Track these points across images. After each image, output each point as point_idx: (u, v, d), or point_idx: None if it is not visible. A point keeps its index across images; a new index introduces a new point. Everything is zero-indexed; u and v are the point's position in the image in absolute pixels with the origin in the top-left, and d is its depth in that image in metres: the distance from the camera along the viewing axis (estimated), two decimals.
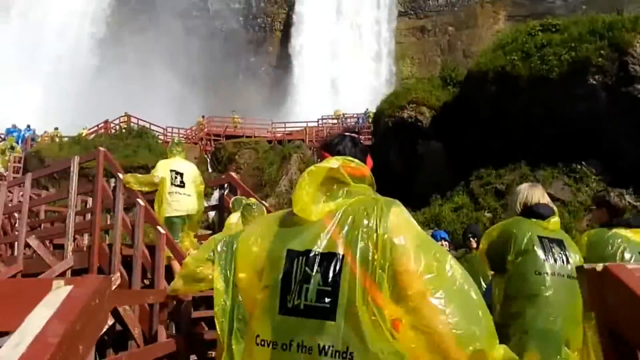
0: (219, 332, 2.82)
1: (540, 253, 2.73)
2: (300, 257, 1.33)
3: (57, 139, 23.29)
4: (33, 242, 5.61)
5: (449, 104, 17.06)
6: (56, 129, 24.82)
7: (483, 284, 4.66)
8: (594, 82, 13.57)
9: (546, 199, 3.00)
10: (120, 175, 5.18)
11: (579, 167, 14.11)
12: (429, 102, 17.57)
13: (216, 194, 16.40)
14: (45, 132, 24.70)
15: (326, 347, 1.24)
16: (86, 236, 8.09)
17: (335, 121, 29.74)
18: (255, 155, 24.40)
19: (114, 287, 4.79)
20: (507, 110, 14.67)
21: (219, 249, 2.83)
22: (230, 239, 2.92)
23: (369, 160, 1.64)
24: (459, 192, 15.14)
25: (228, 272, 2.76)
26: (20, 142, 21.90)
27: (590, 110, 13.24)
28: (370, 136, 25.00)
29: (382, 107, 19.33)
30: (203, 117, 29.54)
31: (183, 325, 4.01)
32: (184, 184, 5.68)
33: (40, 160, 20.02)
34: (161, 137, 27.34)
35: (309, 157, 21.86)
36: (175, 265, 4.95)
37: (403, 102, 18.09)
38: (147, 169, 19.75)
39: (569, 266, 2.73)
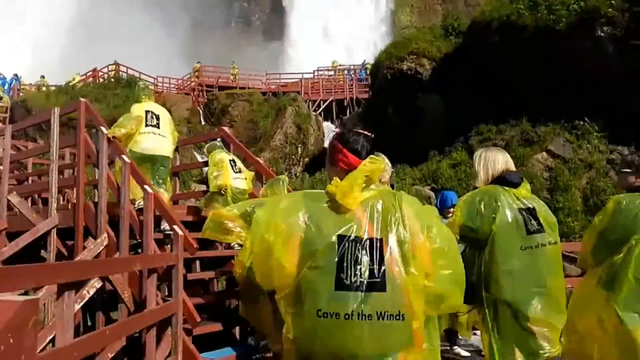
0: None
1: (522, 227, 2.68)
2: (351, 243, 1.64)
3: (43, 88, 22.48)
4: (14, 199, 5.28)
5: (450, 55, 16.47)
6: (42, 77, 23.93)
7: None
8: (602, 34, 13.03)
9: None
10: (104, 129, 4.79)
11: (581, 123, 13.77)
12: (429, 53, 16.95)
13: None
14: (35, 82, 23.80)
15: (383, 313, 1.59)
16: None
17: (331, 72, 28.94)
18: (250, 108, 23.79)
19: (100, 249, 4.52)
20: (511, 62, 14.15)
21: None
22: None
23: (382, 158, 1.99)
24: (458, 148, 14.84)
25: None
26: (6, 91, 21.10)
27: (597, 63, 12.77)
28: (367, 89, 24.41)
29: (381, 58, 18.68)
30: (199, 62, 28.58)
31: (176, 289, 3.77)
32: (159, 125, 5.43)
33: (27, 110, 19.38)
34: (151, 87, 26.51)
35: (304, 110, 21.29)
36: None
37: (402, 53, 17.45)
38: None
39: (545, 234, 2.73)
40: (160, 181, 5.32)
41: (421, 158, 15.40)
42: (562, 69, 13.45)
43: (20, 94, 21.72)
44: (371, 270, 1.62)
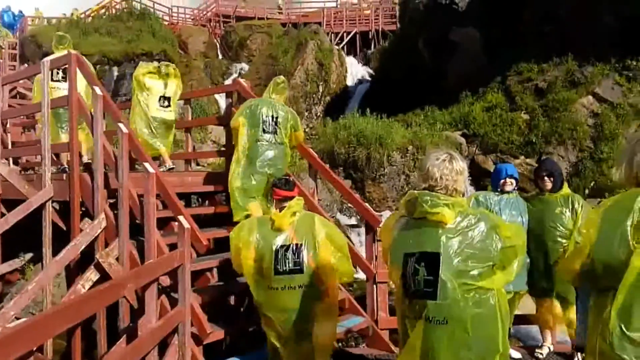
0: None
1: None
2: (282, 248, 3.04)
3: (37, 21, 21.19)
4: (2, 169, 4.65)
5: None
6: (37, 9, 22.52)
7: (559, 226, 3.85)
8: None
9: None
10: (98, 90, 4.03)
11: (634, 63, 12.40)
12: None
13: (222, 103, 14.93)
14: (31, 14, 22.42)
15: (301, 285, 3.02)
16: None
17: (355, 1, 26.98)
18: (269, 41, 22.47)
19: (98, 232, 3.94)
20: None
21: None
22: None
23: (296, 189, 3.36)
24: (494, 89, 13.64)
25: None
26: (15, 28, 20.07)
27: None
28: (395, 20, 22.69)
29: None
30: None
31: (182, 292, 3.19)
32: (65, 79, 4.98)
33: (38, 45, 18.47)
34: (166, 18, 25.17)
35: (327, 44, 19.92)
36: None
37: None
38: (150, 56, 18.15)
39: None
40: (64, 128, 5.15)
41: (452, 99, 14.27)
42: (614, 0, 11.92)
43: (28, 27, 20.66)
44: (295, 262, 3.00)
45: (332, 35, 23.30)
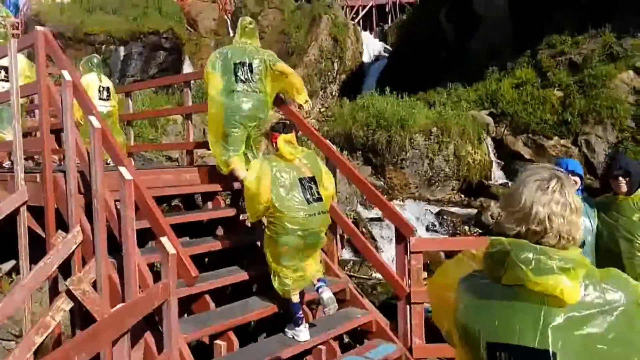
0: None
1: None
2: (305, 180, 3.54)
3: None
4: None
5: None
6: None
7: (637, 237, 3.17)
8: None
9: None
10: (66, 74, 3.31)
11: None
12: None
13: None
14: None
15: (320, 212, 3.62)
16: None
17: None
18: (281, 17, 21.44)
19: (73, 248, 3.27)
20: None
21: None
22: None
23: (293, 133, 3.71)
24: (523, 64, 12.61)
25: None
26: (15, 8, 19.33)
27: None
28: None
29: None
30: None
31: (167, 334, 2.51)
32: (7, 79, 4.69)
33: (41, 25, 17.81)
34: None
35: (341, 19, 18.89)
36: None
37: None
38: (157, 34, 17.39)
39: None
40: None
41: (477, 76, 13.29)
42: None
43: (32, 7, 19.95)
44: (317, 192, 3.56)
45: (347, 9, 22.21)
